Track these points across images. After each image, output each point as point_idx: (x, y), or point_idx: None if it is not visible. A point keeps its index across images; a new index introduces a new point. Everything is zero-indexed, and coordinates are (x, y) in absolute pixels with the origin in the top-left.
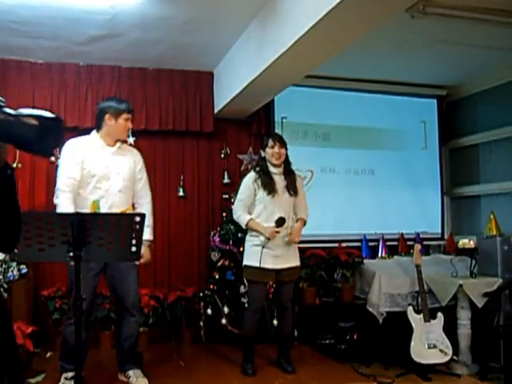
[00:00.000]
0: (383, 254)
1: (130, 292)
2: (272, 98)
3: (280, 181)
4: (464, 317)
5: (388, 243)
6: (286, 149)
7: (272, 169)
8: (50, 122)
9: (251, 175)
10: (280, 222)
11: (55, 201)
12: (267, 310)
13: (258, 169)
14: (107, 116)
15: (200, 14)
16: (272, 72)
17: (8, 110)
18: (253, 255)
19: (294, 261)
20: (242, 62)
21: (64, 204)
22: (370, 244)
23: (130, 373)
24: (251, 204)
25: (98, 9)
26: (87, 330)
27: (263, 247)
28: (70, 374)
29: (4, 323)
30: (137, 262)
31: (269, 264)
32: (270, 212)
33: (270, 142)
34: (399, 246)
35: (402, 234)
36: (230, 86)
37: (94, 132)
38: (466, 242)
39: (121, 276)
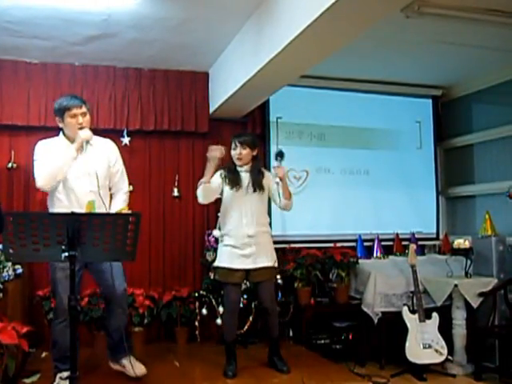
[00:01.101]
0: (378, 254)
1: (116, 283)
2: (267, 98)
3: (246, 177)
4: (459, 317)
5: (383, 243)
6: (253, 149)
7: (239, 168)
8: None
9: (219, 171)
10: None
11: (44, 178)
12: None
13: (225, 166)
14: (57, 119)
15: (195, 14)
16: (267, 72)
17: None
18: (222, 256)
19: (265, 261)
20: (237, 62)
21: (50, 167)
22: (365, 244)
23: (124, 361)
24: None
25: (93, 9)
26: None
27: (232, 247)
28: (65, 374)
29: None
30: None
31: (236, 264)
32: (234, 210)
33: (233, 144)
34: (394, 246)
35: (397, 234)
36: (225, 86)
37: (61, 134)
38: (461, 242)
39: (106, 269)
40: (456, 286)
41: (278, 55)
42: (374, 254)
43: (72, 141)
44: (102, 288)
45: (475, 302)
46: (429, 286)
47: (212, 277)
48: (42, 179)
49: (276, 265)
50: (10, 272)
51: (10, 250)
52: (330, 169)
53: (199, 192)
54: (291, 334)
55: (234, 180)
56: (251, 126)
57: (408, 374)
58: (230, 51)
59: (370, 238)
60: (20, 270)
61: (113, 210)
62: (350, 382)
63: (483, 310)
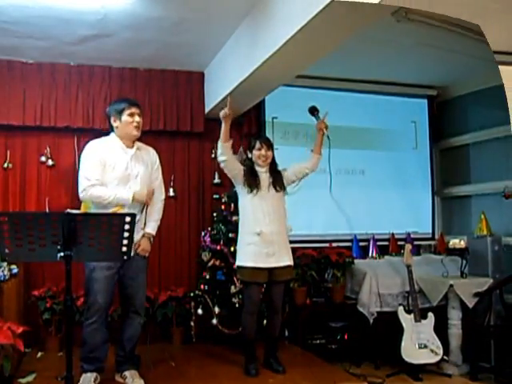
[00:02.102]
0: (374, 254)
1: (139, 291)
2: (263, 98)
3: (266, 178)
4: (455, 317)
5: (379, 243)
6: (273, 151)
7: (258, 168)
8: None
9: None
10: (312, 109)
11: (87, 196)
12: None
13: (243, 167)
14: (112, 119)
15: (191, 14)
16: (263, 72)
17: None
18: (245, 255)
19: (287, 260)
20: (232, 62)
21: (101, 191)
22: (361, 244)
23: (127, 373)
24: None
25: (88, 9)
26: (107, 328)
27: (255, 246)
28: (89, 375)
29: None
30: (145, 255)
31: (261, 263)
32: (256, 209)
33: (258, 145)
34: (390, 246)
35: (392, 234)
36: (220, 86)
37: (112, 134)
38: (457, 242)
39: (132, 275)
40: (451, 286)
41: (274, 55)
42: (370, 254)
43: (124, 141)
44: (126, 294)
45: (471, 302)
46: (424, 286)
47: (240, 277)
48: (84, 190)
49: (292, 264)
50: (6, 272)
51: (6, 250)
52: (325, 169)
53: (219, 150)
54: (287, 334)
55: (253, 183)
56: (247, 125)
57: (403, 374)
58: (226, 51)
59: (366, 238)
60: (15, 270)
61: (149, 218)
62: (346, 382)
63: (479, 310)
